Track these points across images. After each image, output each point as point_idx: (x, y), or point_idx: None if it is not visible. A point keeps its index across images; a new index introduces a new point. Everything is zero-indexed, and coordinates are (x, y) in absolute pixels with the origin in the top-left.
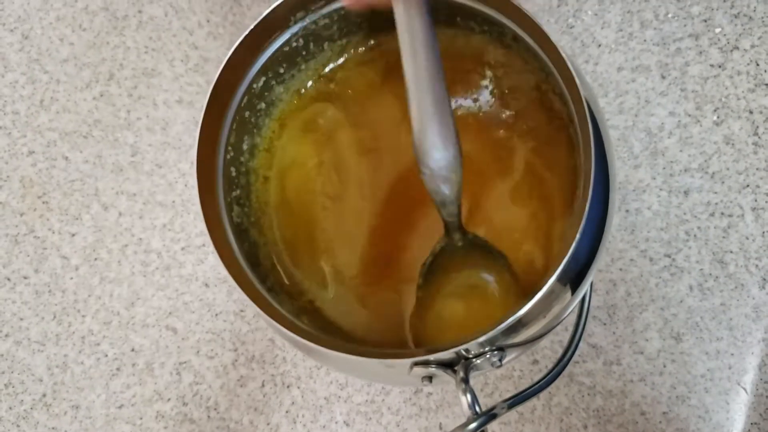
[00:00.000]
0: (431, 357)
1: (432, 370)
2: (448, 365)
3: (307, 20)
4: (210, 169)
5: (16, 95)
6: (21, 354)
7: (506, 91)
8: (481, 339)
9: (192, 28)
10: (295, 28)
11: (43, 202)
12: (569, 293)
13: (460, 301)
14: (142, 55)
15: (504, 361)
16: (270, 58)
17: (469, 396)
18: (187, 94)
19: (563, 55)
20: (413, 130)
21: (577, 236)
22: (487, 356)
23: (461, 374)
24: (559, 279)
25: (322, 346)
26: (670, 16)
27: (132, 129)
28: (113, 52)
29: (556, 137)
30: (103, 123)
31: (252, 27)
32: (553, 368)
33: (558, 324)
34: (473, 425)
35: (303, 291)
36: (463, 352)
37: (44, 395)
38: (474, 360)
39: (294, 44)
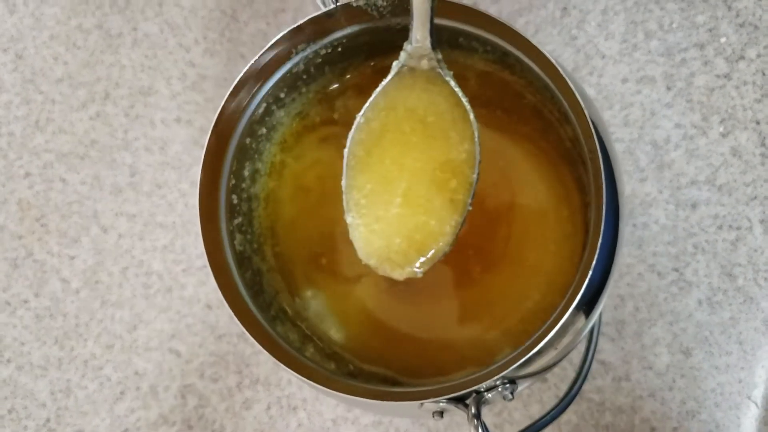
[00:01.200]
0: (442, 397)
1: (443, 405)
2: (459, 400)
3: (309, 50)
4: (212, 199)
5: (11, 116)
6: (23, 379)
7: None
8: (496, 377)
9: (188, 45)
10: (296, 59)
11: (42, 225)
12: (582, 320)
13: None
14: (138, 74)
15: (516, 393)
16: (271, 87)
17: (480, 431)
18: (185, 112)
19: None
20: None
21: (590, 271)
22: (499, 389)
23: (473, 410)
24: (577, 308)
25: (323, 385)
26: (674, 26)
27: (130, 149)
28: (108, 71)
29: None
30: (100, 143)
31: (252, 62)
32: (564, 398)
33: (571, 351)
34: None
35: (308, 318)
36: (476, 387)
37: (48, 420)
38: (486, 394)
39: (294, 70)
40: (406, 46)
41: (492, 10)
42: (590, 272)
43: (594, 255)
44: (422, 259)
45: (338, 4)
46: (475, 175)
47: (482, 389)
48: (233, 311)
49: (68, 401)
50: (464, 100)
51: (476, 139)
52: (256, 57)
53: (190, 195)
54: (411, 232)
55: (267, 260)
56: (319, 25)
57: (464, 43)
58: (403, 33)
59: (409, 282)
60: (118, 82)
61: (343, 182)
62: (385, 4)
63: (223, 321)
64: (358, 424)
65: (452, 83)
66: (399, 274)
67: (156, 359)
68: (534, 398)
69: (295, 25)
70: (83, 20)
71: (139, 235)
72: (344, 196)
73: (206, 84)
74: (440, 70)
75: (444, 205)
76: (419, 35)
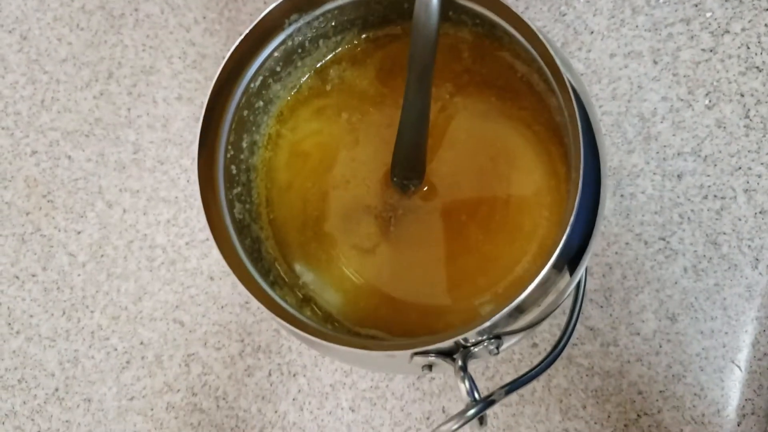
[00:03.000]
0: (430, 347)
1: (431, 359)
2: (447, 354)
3: (301, 22)
4: (211, 170)
5: (17, 96)
6: (33, 350)
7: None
8: (479, 328)
9: (188, 25)
10: (289, 30)
11: (48, 201)
12: (566, 278)
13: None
14: (140, 53)
15: (502, 348)
16: (266, 59)
17: (467, 383)
18: (186, 90)
19: (548, 47)
20: None
21: (569, 227)
22: (485, 344)
23: (459, 362)
24: (555, 266)
25: (323, 339)
26: (661, 1)
27: (133, 127)
28: (111, 51)
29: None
30: (104, 121)
31: (246, 32)
32: (548, 355)
33: (555, 309)
34: (472, 411)
35: (304, 284)
36: (462, 341)
37: (57, 389)
38: (472, 348)
39: (289, 43)
40: None
41: None
42: (567, 229)
43: (571, 213)
44: None
45: None
46: None
47: (469, 344)
48: (235, 274)
49: (76, 371)
50: None
51: None
52: (249, 28)
53: (192, 170)
54: None
55: (265, 228)
56: None
57: (454, 16)
58: (394, 5)
59: (404, 247)
60: (121, 61)
61: None
62: None
63: (225, 291)
64: (355, 388)
65: None
66: None
67: (161, 329)
68: (525, 363)
69: None
70: (86, 1)
71: (143, 210)
72: None
73: (206, 62)
74: None
75: None
76: None
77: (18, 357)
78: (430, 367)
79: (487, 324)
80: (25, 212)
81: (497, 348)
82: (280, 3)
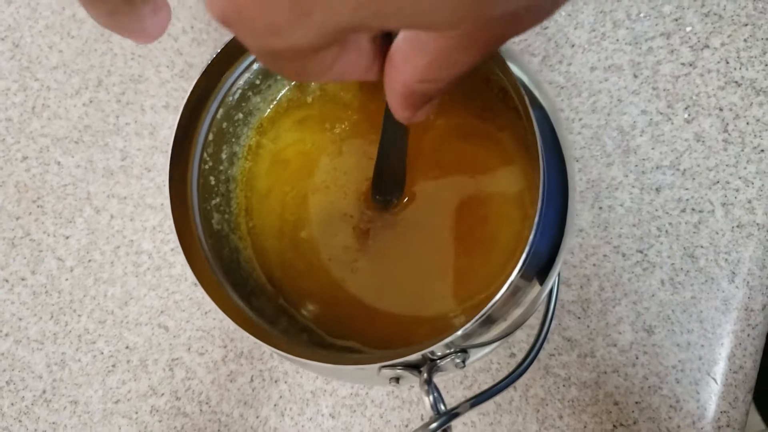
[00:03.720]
0: (397, 361)
1: (399, 371)
2: (414, 366)
3: None
4: (184, 185)
5: (9, 102)
6: (21, 352)
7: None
8: (446, 340)
9: (176, 35)
10: None
11: (38, 206)
12: (536, 288)
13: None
14: (129, 62)
15: (469, 362)
16: (240, 74)
17: (431, 397)
18: (173, 99)
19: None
20: None
21: (530, 238)
22: (451, 357)
23: (425, 375)
24: (523, 276)
25: (290, 354)
26: (642, 15)
27: (121, 134)
28: (101, 59)
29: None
30: (93, 128)
31: (219, 51)
32: (514, 370)
33: (526, 320)
34: (434, 425)
35: (281, 293)
36: (429, 354)
37: (44, 391)
38: (438, 361)
39: None
40: None
41: None
42: (529, 240)
43: (533, 225)
44: None
45: None
46: None
47: (435, 357)
48: (206, 289)
49: (63, 373)
50: None
51: None
52: (224, 44)
53: None
54: None
55: (243, 238)
56: None
57: None
58: None
59: (381, 259)
60: (110, 69)
61: None
62: None
63: (208, 298)
64: (336, 395)
65: None
66: None
67: (146, 334)
68: (502, 372)
69: None
70: (77, 10)
71: (130, 216)
72: None
73: (193, 72)
74: None
75: None
76: None
77: (6, 359)
78: (397, 379)
79: (455, 336)
80: (15, 217)
81: (463, 362)
82: None
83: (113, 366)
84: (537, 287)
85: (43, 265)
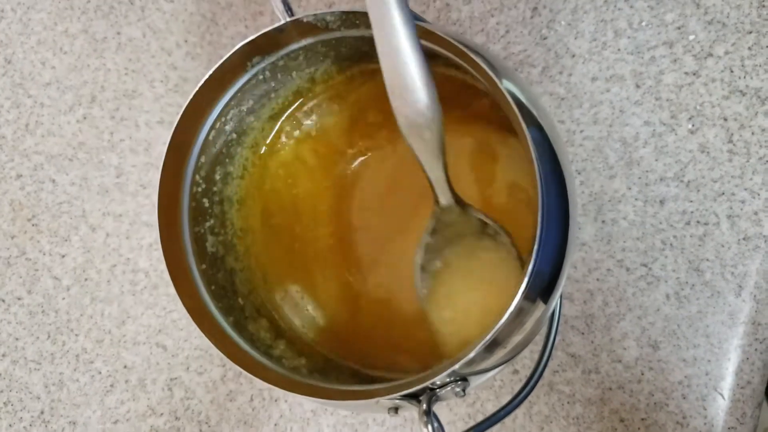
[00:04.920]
0: (396, 395)
1: (397, 401)
2: (412, 396)
3: (264, 63)
4: (173, 216)
5: (2, 119)
6: (18, 373)
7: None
8: (450, 370)
9: (170, 49)
10: (253, 71)
11: (33, 225)
12: (540, 307)
13: (473, 283)
14: (123, 77)
15: (469, 390)
16: (231, 99)
17: (430, 427)
18: (168, 114)
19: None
20: (384, 72)
21: (532, 259)
22: (451, 386)
23: (424, 406)
24: (526, 297)
25: (282, 388)
26: (644, 24)
27: (115, 150)
28: (94, 75)
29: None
30: (88, 145)
31: (205, 78)
32: (514, 398)
33: (527, 344)
34: None
35: (281, 314)
36: (428, 384)
37: (42, 412)
38: (438, 391)
39: (260, 77)
40: (436, 208)
41: (464, 11)
42: (531, 264)
43: (534, 246)
44: None
45: (288, 20)
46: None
47: (435, 386)
48: (193, 319)
49: (61, 394)
50: (494, 225)
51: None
52: (210, 72)
53: None
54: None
55: (240, 259)
56: (272, 39)
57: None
58: (363, 41)
59: (382, 279)
60: (104, 85)
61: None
62: (333, 18)
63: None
64: (336, 414)
65: (482, 216)
66: None
67: (144, 353)
68: (506, 389)
69: (247, 40)
70: (69, 25)
71: (126, 234)
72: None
73: (188, 86)
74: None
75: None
76: (444, 200)
77: (4, 380)
78: (396, 409)
79: (457, 366)
80: (10, 236)
81: (463, 390)
82: (241, 47)
83: (111, 386)
84: (541, 307)
85: (39, 284)
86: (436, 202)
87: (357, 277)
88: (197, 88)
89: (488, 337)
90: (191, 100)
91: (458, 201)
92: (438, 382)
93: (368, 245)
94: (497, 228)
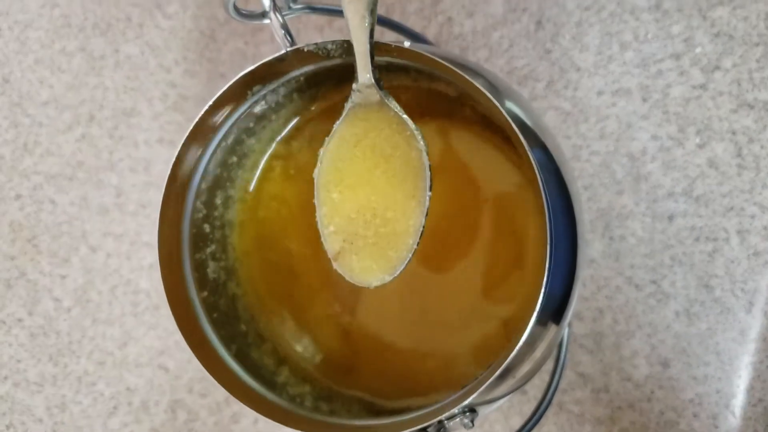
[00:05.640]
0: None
1: None
2: (422, 429)
3: (265, 90)
4: (175, 246)
5: (0, 140)
6: (20, 395)
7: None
8: (464, 404)
9: (169, 66)
10: (253, 98)
11: (33, 246)
12: (552, 329)
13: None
14: (121, 95)
15: (477, 420)
16: (232, 125)
17: None
18: (167, 132)
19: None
20: None
21: (543, 282)
22: (458, 419)
23: None
24: (539, 321)
25: (285, 424)
26: (650, 36)
27: (115, 170)
28: (92, 93)
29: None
30: (87, 165)
31: (205, 109)
32: (527, 423)
33: (537, 371)
34: None
35: (284, 341)
36: (436, 420)
37: None
38: (446, 422)
39: (261, 103)
40: (354, 86)
41: (467, 26)
42: (543, 288)
43: (544, 272)
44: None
45: (289, 49)
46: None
47: (443, 417)
48: (200, 361)
49: (64, 416)
50: (409, 122)
51: (423, 150)
52: (211, 102)
53: None
54: (380, 237)
55: (242, 284)
56: (272, 68)
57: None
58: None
59: (390, 305)
60: (102, 104)
61: (317, 215)
62: (334, 47)
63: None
64: None
65: (398, 110)
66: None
67: (146, 375)
68: (514, 410)
69: (247, 70)
70: (67, 43)
71: (126, 255)
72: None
73: (187, 104)
74: (387, 101)
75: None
76: (364, 75)
77: (6, 402)
78: None
79: (470, 400)
80: (10, 257)
81: (472, 421)
82: (242, 76)
83: (114, 408)
84: (553, 329)
85: (40, 305)
86: (356, 81)
87: (347, 309)
88: (198, 118)
89: (503, 367)
90: (192, 129)
91: (379, 83)
92: (446, 416)
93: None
94: (414, 129)
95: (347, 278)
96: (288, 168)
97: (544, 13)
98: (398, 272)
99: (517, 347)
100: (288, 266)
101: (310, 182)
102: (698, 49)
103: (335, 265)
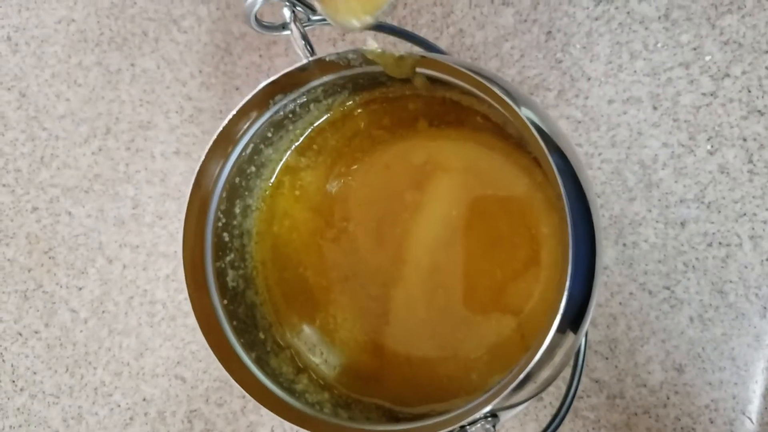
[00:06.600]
0: None
1: None
2: None
3: (286, 100)
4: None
5: (17, 153)
6: (37, 407)
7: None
8: (484, 411)
9: (185, 80)
10: (274, 108)
11: (50, 258)
12: (570, 337)
13: None
14: (137, 108)
15: (499, 425)
16: (252, 135)
17: None
18: (183, 145)
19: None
20: None
21: (566, 288)
22: (481, 423)
23: None
24: (559, 329)
25: (305, 428)
26: (659, 45)
27: (131, 182)
28: (109, 107)
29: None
30: (103, 177)
31: (228, 118)
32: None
33: (558, 375)
34: None
35: (302, 349)
36: (459, 425)
37: None
38: (468, 427)
39: (280, 113)
40: None
41: (478, 37)
42: (565, 294)
43: (566, 277)
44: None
45: (311, 59)
46: None
47: (466, 423)
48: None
49: (80, 427)
50: None
51: None
52: (234, 111)
53: None
54: None
55: (260, 293)
56: (293, 78)
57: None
58: (382, 74)
59: (410, 312)
60: (119, 117)
61: None
62: (355, 56)
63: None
64: None
65: None
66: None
67: (163, 385)
68: (530, 417)
69: (269, 81)
70: (83, 58)
71: (143, 265)
72: None
73: (203, 116)
74: None
75: None
76: None
77: (22, 414)
78: None
79: (492, 405)
80: (27, 269)
81: (494, 426)
82: (264, 87)
83: (131, 419)
84: (572, 337)
85: (57, 317)
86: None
87: (374, 326)
88: (221, 128)
89: (524, 373)
90: (215, 139)
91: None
92: (466, 421)
93: (379, 285)
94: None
95: (330, 20)
96: (305, 176)
97: (554, 23)
98: (381, 12)
99: (540, 351)
100: (306, 290)
101: (315, 210)
102: (708, 57)
103: (319, 8)
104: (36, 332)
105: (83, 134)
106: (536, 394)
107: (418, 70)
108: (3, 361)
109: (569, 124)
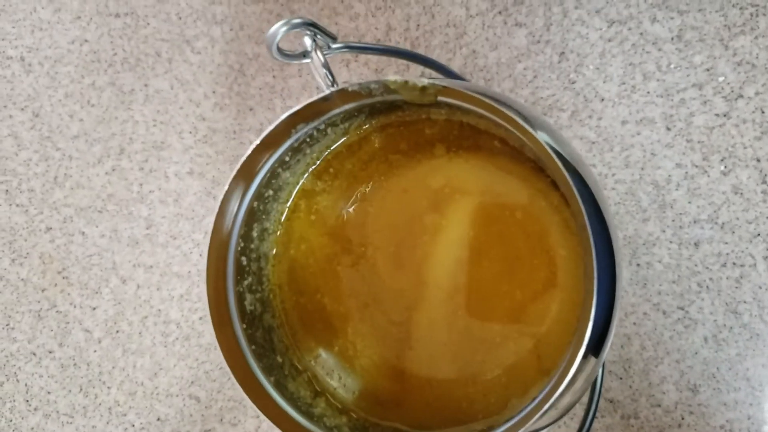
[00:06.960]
0: None
1: None
2: None
3: (308, 128)
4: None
5: (31, 173)
6: (51, 427)
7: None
8: None
9: (198, 100)
10: (296, 136)
11: (63, 278)
12: (591, 362)
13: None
14: (151, 129)
15: None
16: (274, 162)
17: None
18: (197, 165)
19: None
20: None
21: (591, 313)
22: None
23: None
24: (584, 357)
25: None
26: (672, 66)
27: (145, 202)
28: (122, 127)
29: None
30: (117, 197)
31: (253, 147)
32: None
33: (577, 402)
34: None
35: (320, 373)
36: None
37: None
38: None
39: (301, 140)
40: None
41: (491, 58)
42: (591, 319)
43: (592, 301)
44: None
45: (333, 89)
46: None
47: None
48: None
49: None
50: None
51: None
52: (258, 141)
53: (204, 245)
54: None
55: (277, 316)
56: (315, 108)
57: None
58: (400, 101)
59: (425, 335)
60: (132, 137)
61: None
62: (377, 86)
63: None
64: None
65: None
66: None
67: (177, 405)
68: None
69: (292, 111)
70: (96, 78)
71: (157, 285)
72: None
73: (217, 137)
74: None
75: None
76: None
77: None
78: None
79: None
80: (40, 289)
81: None
82: (286, 117)
83: None
84: (593, 361)
85: (71, 337)
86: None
87: (396, 352)
88: (245, 157)
89: (549, 403)
90: (237, 170)
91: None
92: None
93: (401, 309)
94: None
95: None
96: (310, 213)
97: (567, 44)
98: None
99: (566, 381)
100: (323, 318)
101: (331, 236)
102: (721, 78)
103: None
104: (50, 352)
105: (96, 154)
106: (556, 420)
107: (439, 98)
108: (17, 380)
109: (583, 145)
